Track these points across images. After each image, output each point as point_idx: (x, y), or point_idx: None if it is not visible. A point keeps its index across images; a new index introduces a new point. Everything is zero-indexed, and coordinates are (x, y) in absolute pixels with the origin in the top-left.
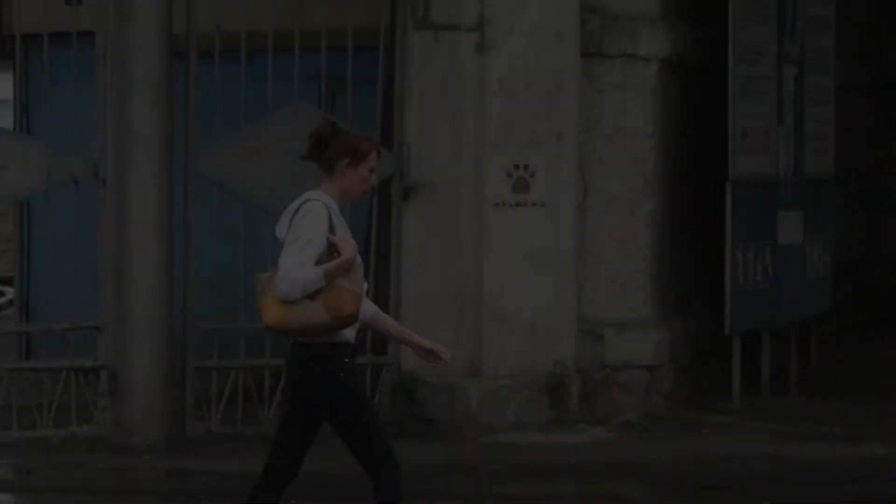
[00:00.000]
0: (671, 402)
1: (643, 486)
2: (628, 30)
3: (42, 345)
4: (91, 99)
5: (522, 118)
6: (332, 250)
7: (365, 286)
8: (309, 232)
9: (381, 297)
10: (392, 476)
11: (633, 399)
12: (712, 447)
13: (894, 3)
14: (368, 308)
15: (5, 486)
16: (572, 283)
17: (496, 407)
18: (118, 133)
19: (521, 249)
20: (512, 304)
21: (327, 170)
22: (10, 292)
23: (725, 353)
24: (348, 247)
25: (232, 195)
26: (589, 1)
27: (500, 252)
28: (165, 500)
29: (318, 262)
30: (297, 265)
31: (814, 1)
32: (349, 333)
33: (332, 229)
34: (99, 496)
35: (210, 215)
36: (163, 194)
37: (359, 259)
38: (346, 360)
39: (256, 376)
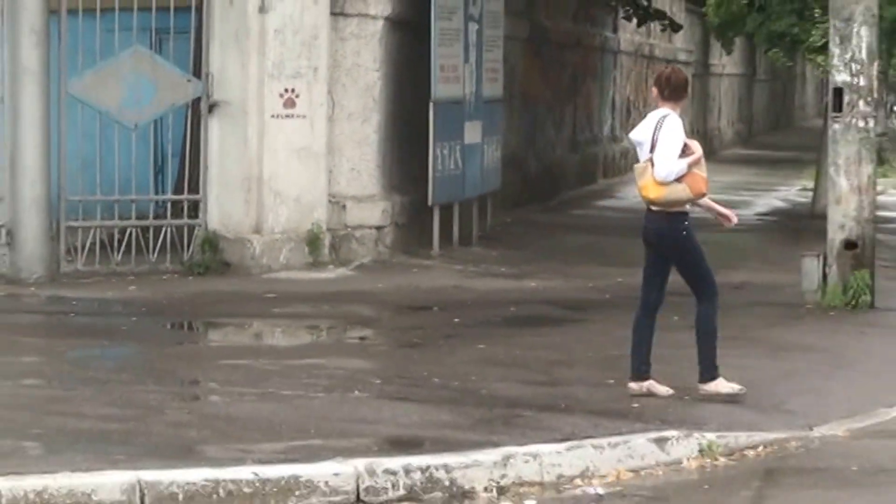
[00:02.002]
0: (392, 251)
1: (373, 307)
2: None
3: None
4: None
5: (290, 57)
6: (685, 148)
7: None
8: (674, 136)
9: (194, 180)
10: (712, 295)
11: (365, 249)
12: (420, 281)
13: None
14: None
15: None
16: (324, 171)
17: (273, 254)
18: (13, 67)
19: (289, 147)
20: (283, 184)
21: (674, 100)
22: None
23: (429, 217)
24: (697, 147)
25: (90, 109)
26: None
27: (275, 149)
28: (46, 316)
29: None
30: (669, 158)
31: None
32: (688, 206)
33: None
34: (4, 314)
35: (75, 122)
36: (43, 109)
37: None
38: (686, 223)
39: (109, 233)
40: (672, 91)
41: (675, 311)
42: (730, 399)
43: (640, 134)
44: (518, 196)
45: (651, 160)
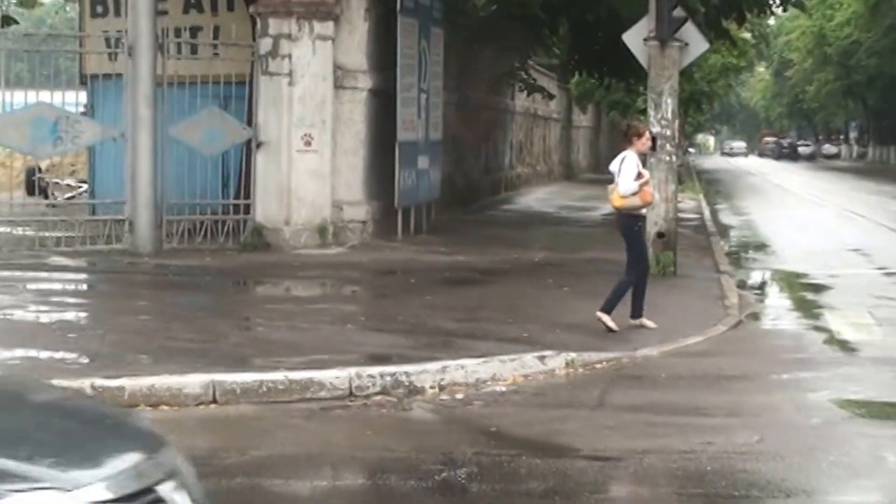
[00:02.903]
0: (372, 237)
1: (360, 271)
2: (353, 76)
3: (101, 209)
4: (117, 98)
5: (307, 114)
6: (639, 175)
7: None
8: (630, 167)
9: (247, 190)
10: (638, 271)
11: (355, 236)
12: (390, 256)
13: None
14: None
15: (86, 269)
16: (329, 185)
17: (296, 238)
18: (133, 117)
19: (306, 170)
20: (303, 193)
21: (630, 144)
22: (85, 186)
23: (395, 216)
24: (647, 174)
25: (182, 145)
26: (338, 61)
27: (298, 171)
28: (153, 277)
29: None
30: (627, 181)
31: (436, 63)
32: (643, 210)
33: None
34: (126, 275)
35: (172, 153)
36: (152, 144)
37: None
38: (640, 223)
39: (193, 224)
40: (627, 138)
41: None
42: (608, 329)
43: (612, 165)
44: (450, 202)
45: (616, 182)
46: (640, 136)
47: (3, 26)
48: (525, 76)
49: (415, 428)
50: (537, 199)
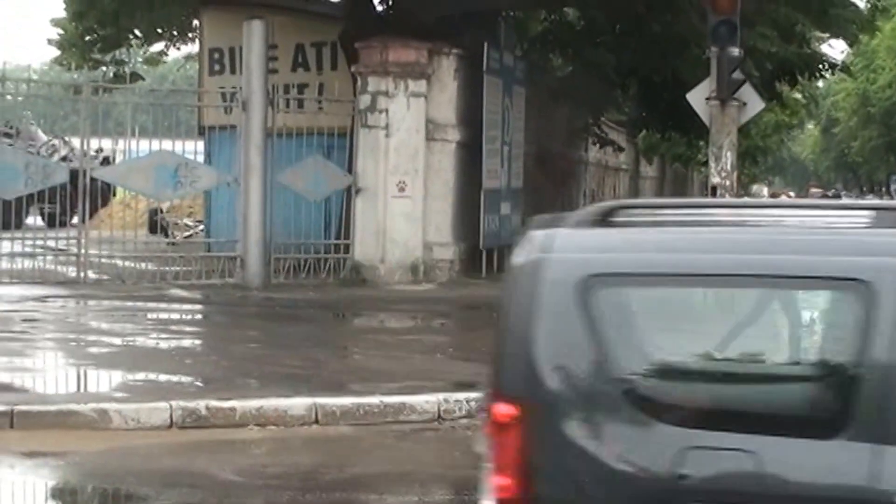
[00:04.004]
0: (458, 276)
1: (447, 306)
2: (443, 129)
3: (215, 247)
4: (231, 147)
5: (402, 163)
6: None
7: None
8: None
9: (347, 231)
10: None
11: (444, 273)
12: (475, 293)
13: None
14: None
15: (202, 300)
16: (421, 228)
17: (391, 275)
18: (245, 165)
19: (401, 214)
20: (397, 235)
21: None
22: (201, 226)
23: (479, 256)
24: None
25: (289, 190)
26: (430, 116)
27: (393, 215)
28: (262, 308)
29: None
30: None
31: (518, 118)
32: None
33: None
34: (237, 306)
35: (280, 197)
36: (262, 189)
37: None
38: None
39: (298, 261)
40: None
41: None
42: None
43: None
44: None
45: None
46: None
47: (130, 82)
48: (598, 131)
49: None
50: None
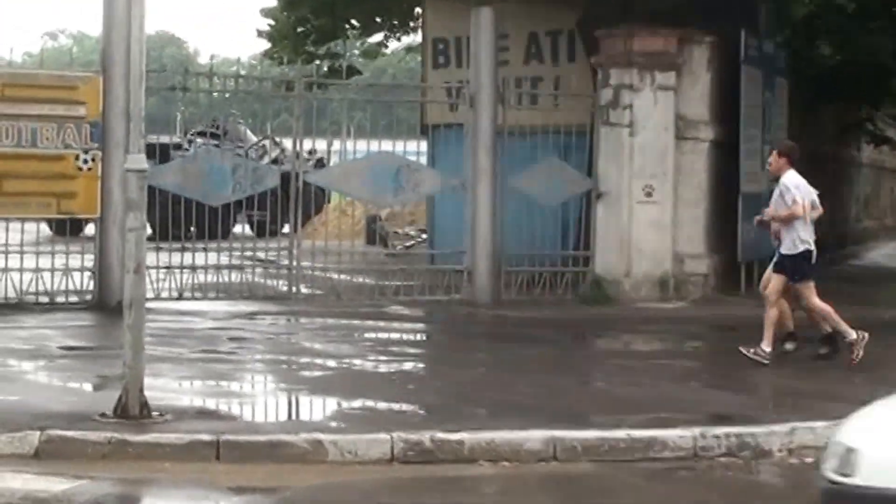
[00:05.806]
0: (714, 291)
1: (701, 326)
2: (695, 126)
3: (440, 259)
4: (457, 147)
5: (648, 164)
6: None
7: None
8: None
9: (587, 241)
10: None
11: (697, 289)
12: (733, 312)
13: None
14: None
15: (424, 318)
16: (670, 237)
17: (636, 291)
18: (474, 168)
19: (647, 222)
20: (643, 245)
21: None
22: (424, 236)
23: (737, 270)
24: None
25: (522, 195)
26: (680, 112)
27: (638, 222)
28: (491, 327)
29: None
30: None
31: (779, 113)
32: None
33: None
34: (464, 325)
35: (513, 204)
36: (492, 194)
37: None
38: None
39: (531, 274)
40: None
41: None
42: None
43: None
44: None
45: None
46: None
47: (346, 76)
48: (872, 127)
49: (764, 492)
50: (885, 254)
